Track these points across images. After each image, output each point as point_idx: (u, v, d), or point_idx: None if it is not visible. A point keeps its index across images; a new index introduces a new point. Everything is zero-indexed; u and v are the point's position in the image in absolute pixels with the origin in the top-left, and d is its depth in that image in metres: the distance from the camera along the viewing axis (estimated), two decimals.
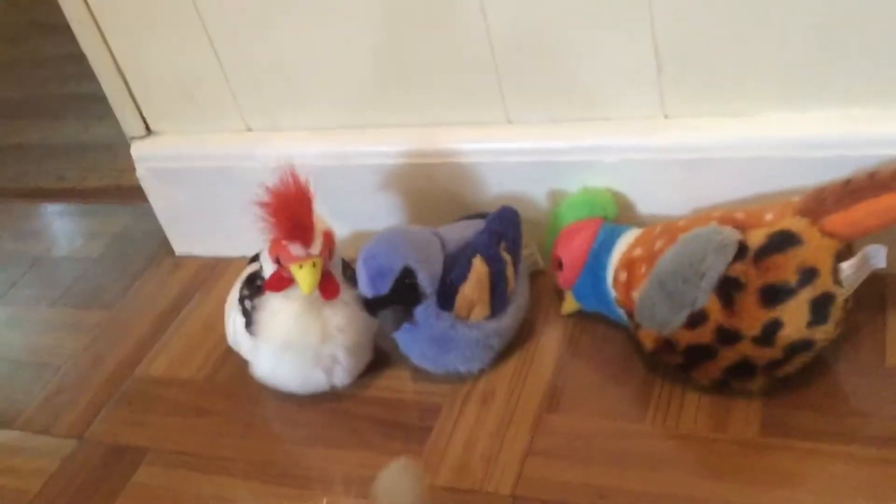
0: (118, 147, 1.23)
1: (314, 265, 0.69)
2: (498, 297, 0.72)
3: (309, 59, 0.83)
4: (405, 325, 0.71)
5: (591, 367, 0.74)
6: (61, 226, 1.20)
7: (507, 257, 0.73)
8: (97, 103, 1.39)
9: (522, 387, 0.73)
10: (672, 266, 0.65)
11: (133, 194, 1.17)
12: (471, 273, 0.71)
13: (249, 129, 0.92)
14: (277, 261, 0.70)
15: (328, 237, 0.71)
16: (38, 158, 1.37)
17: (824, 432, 0.63)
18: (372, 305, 0.70)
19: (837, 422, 0.64)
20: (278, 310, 0.72)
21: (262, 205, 0.69)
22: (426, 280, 0.69)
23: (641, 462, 0.65)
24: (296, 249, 0.69)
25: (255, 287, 0.75)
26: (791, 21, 0.66)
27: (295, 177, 0.69)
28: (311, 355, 0.72)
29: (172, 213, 1.00)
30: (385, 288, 0.68)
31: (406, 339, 0.73)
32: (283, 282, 0.71)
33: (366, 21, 0.78)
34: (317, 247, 0.69)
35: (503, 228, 0.75)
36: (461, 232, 0.75)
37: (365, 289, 0.69)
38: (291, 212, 0.68)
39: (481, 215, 0.80)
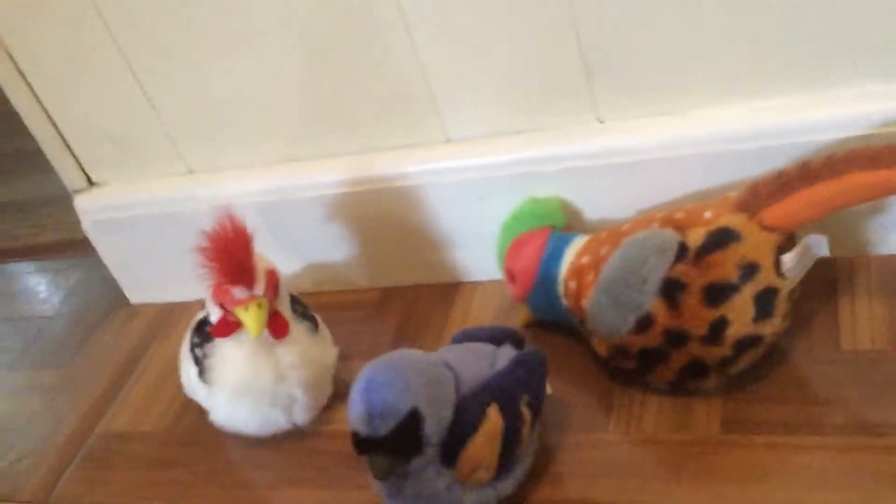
0: (71, 200, 1.22)
1: (259, 306, 0.68)
2: (506, 459, 0.61)
3: (240, 95, 0.82)
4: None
5: (552, 378, 0.73)
6: (15, 286, 1.18)
7: (526, 415, 0.62)
8: (45, 157, 1.38)
9: None
10: (615, 272, 0.64)
11: (87, 246, 1.16)
12: (483, 424, 0.60)
13: (191, 172, 0.90)
14: (222, 306, 0.69)
15: (272, 276, 0.70)
16: None
17: (786, 424, 0.63)
18: (362, 445, 0.58)
19: (798, 412, 0.63)
20: (229, 355, 0.71)
21: (201, 250, 0.68)
22: (433, 429, 0.58)
23: (608, 471, 0.64)
24: (239, 292, 0.67)
25: (204, 334, 0.74)
26: (712, 17, 0.66)
27: (232, 218, 0.68)
28: (267, 397, 0.71)
29: (122, 262, 0.99)
30: (384, 430, 0.57)
31: (388, 487, 0.61)
32: (230, 326, 0.70)
33: (292, 52, 0.78)
34: (260, 287, 0.68)
35: (528, 378, 0.64)
36: (474, 366, 0.63)
37: (358, 423, 0.58)
38: (230, 255, 0.67)
39: (486, 335, 0.69)
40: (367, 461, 0.60)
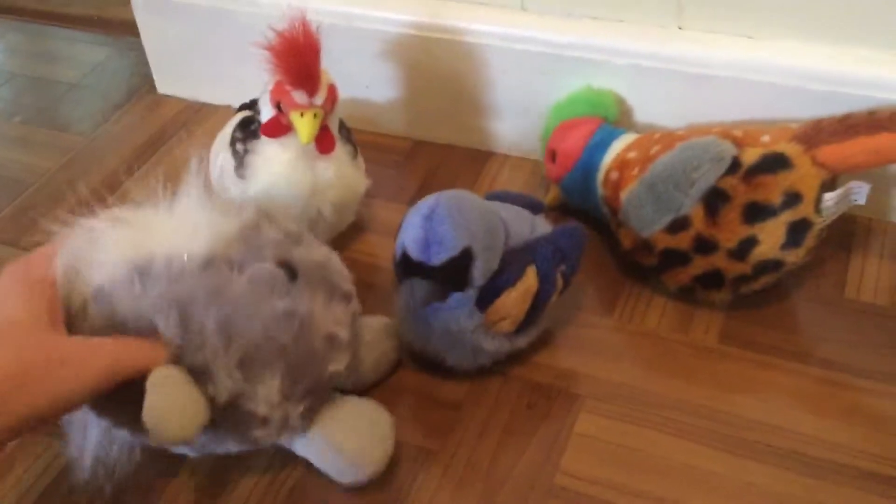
0: None
1: (315, 116, 0.68)
2: (529, 318, 0.64)
3: None
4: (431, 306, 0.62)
5: None
6: (37, 47, 1.16)
7: (559, 283, 0.65)
8: None
9: None
10: (666, 170, 0.66)
11: (116, 27, 1.14)
12: (520, 282, 0.62)
13: None
14: (278, 106, 0.70)
15: (332, 91, 0.70)
16: None
17: (777, 348, 0.67)
18: (410, 268, 0.61)
19: (791, 341, 0.67)
20: (272, 156, 0.71)
21: (270, 47, 0.68)
22: (479, 272, 0.60)
23: (604, 352, 0.68)
24: (299, 97, 0.68)
25: (249, 131, 0.74)
26: None
27: (306, 24, 0.68)
28: (297, 205, 0.72)
29: (163, 49, 0.98)
30: (437, 260, 0.60)
31: (416, 313, 0.63)
32: (280, 128, 0.71)
33: None
34: (320, 98, 0.68)
35: (568, 251, 0.66)
36: (519, 226, 0.65)
37: (414, 248, 0.60)
38: (300, 58, 0.67)
39: (522, 201, 0.70)
40: (405, 285, 0.62)
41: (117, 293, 0.54)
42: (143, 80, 1.02)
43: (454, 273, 0.60)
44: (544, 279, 0.63)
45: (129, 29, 1.04)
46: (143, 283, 0.53)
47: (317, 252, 0.61)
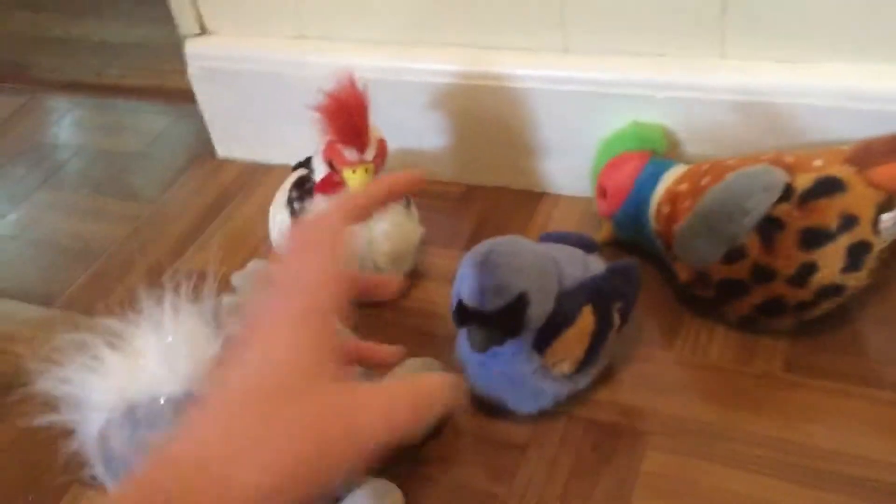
0: (162, 48, 1.24)
1: (366, 171, 0.71)
2: (589, 357, 0.64)
3: None
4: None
5: None
6: (101, 120, 1.22)
7: (616, 320, 0.66)
8: (142, 3, 1.40)
9: None
10: (717, 201, 0.66)
11: (175, 96, 1.19)
12: (577, 321, 0.63)
13: (304, 36, 0.92)
14: (330, 164, 0.72)
15: (382, 145, 0.73)
16: (78, 53, 1.38)
17: (844, 374, 0.66)
18: (466, 316, 0.62)
19: (857, 365, 0.66)
20: None
21: (320, 108, 0.70)
22: (535, 315, 0.61)
23: (666, 386, 0.68)
24: (350, 154, 0.70)
25: (304, 189, 0.77)
26: None
27: (353, 83, 0.71)
28: (355, 259, 0.74)
29: (219, 114, 1.01)
30: (492, 306, 0.60)
31: (476, 358, 0.64)
32: (334, 185, 0.73)
33: None
34: (370, 153, 0.71)
35: (624, 288, 0.67)
36: (572, 266, 0.65)
37: (468, 296, 0.60)
38: (348, 116, 0.70)
39: (575, 240, 0.71)
40: (462, 333, 0.63)
41: (110, 432, 0.56)
42: (203, 146, 1.06)
43: (510, 318, 0.60)
44: (601, 318, 0.63)
45: (186, 97, 1.09)
46: (126, 426, 0.55)
47: None
